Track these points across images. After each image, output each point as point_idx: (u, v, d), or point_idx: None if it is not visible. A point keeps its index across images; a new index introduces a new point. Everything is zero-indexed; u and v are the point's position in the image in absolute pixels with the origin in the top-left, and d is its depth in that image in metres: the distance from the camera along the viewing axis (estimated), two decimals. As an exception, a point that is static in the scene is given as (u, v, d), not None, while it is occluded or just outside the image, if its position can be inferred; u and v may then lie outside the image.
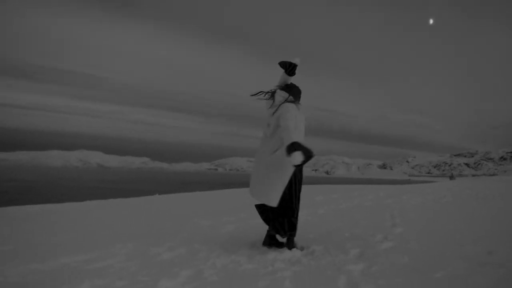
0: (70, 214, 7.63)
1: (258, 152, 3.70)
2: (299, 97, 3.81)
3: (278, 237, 3.68)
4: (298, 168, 3.53)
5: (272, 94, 3.73)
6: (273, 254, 3.46)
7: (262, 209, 3.77)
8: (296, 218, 3.67)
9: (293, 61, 3.73)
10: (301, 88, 3.85)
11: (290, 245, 3.66)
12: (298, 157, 3.06)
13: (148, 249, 3.84)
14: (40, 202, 10.47)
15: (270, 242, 3.80)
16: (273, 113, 3.58)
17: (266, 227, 3.88)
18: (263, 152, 3.63)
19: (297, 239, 3.89)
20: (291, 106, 3.53)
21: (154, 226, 5.56)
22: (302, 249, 3.64)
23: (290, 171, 3.48)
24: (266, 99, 3.77)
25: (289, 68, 3.70)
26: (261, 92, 3.79)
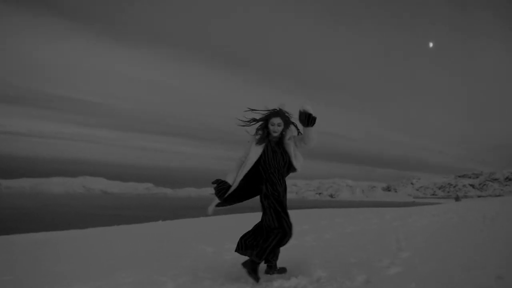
0: (73, 242, 7.58)
1: None
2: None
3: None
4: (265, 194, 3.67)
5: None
6: (279, 282, 3.42)
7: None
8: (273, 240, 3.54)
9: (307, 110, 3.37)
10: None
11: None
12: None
13: (151, 277, 3.79)
14: (42, 230, 10.38)
15: (269, 270, 3.81)
16: None
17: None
18: None
19: (301, 265, 3.86)
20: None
21: (157, 253, 5.51)
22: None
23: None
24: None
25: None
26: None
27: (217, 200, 3.70)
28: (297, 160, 3.72)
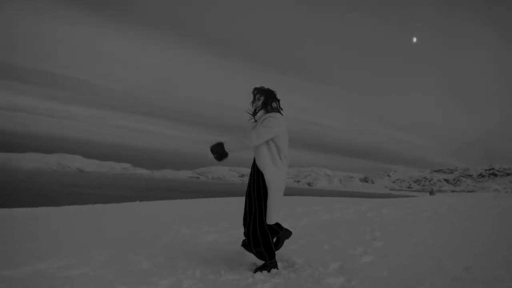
0: (46, 219, 7.44)
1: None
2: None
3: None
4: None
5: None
6: (254, 266, 3.45)
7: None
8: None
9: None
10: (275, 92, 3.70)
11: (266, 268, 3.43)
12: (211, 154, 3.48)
13: (126, 257, 3.76)
14: (12, 206, 10.09)
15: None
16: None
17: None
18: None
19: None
20: (267, 123, 3.49)
21: (133, 233, 5.47)
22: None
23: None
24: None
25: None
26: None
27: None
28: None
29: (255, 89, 3.60)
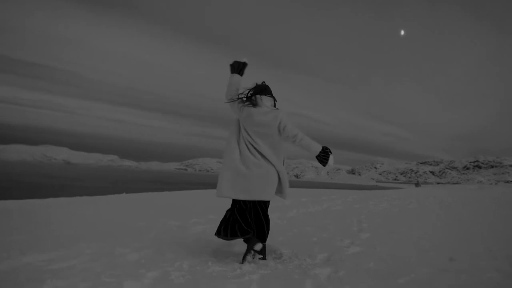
0: (32, 212, 7.35)
1: (246, 154, 3.47)
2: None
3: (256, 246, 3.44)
4: None
5: (249, 98, 3.56)
6: (241, 257, 3.46)
7: (243, 214, 3.59)
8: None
9: (242, 60, 3.75)
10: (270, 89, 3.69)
11: (265, 253, 3.49)
12: (331, 160, 3.51)
13: (113, 249, 3.74)
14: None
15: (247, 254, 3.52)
16: (263, 118, 3.45)
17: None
18: (256, 154, 3.47)
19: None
20: (286, 114, 3.52)
21: (120, 226, 5.44)
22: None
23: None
24: (245, 105, 3.62)
25: (242, 68, 3.74)
26: (239, 98, 3.66)
27: None
28: None
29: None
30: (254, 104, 3.52)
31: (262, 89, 3.59)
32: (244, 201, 3.47)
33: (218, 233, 3.43)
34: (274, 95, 3.67)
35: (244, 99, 3.59)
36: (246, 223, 3.41)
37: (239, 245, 3.89)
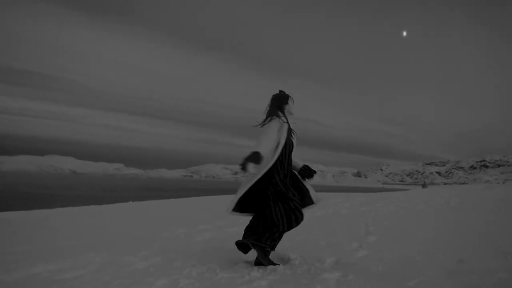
0: (40, 222, 7.39)
1: None
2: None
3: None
4: (275, 182, 3.44)
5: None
6: (250, 263, 3.45)
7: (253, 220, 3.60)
8: (276, 231, 3.40)
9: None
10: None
11: (267, 260, 3.39)
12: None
13: (121, 258, 3.75)
14: (5, 209, 10.00)
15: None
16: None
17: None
18: None
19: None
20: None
21: (128, 234, 5.45)
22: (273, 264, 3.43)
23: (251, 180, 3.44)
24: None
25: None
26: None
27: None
28: None
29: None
30: None
31: (267, 116, 3.64)
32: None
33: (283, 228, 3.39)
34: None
35: None
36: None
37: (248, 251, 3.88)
